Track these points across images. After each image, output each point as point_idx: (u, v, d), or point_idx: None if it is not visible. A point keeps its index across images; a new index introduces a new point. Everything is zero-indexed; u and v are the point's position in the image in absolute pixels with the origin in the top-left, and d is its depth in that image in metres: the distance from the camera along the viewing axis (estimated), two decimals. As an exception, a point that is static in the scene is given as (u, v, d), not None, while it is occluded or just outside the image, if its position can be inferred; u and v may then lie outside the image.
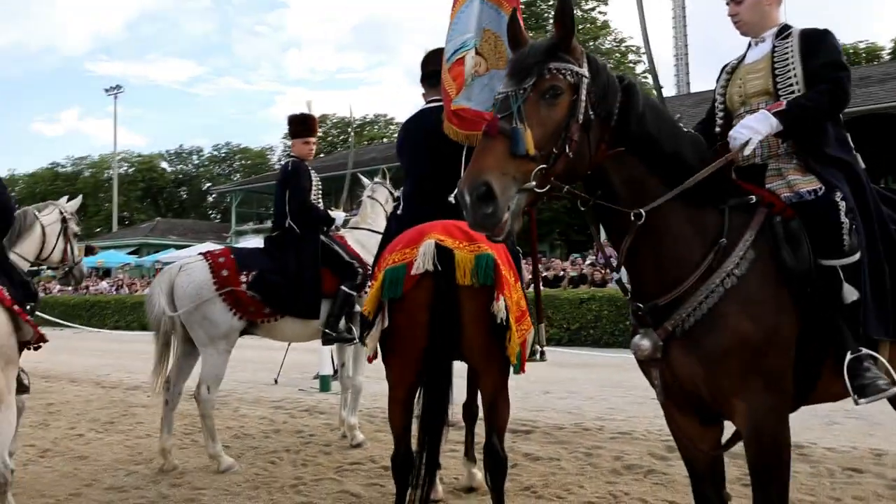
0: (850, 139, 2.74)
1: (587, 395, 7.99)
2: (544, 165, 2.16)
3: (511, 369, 3.28)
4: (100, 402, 8.24)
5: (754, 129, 2.57)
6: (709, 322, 2.38)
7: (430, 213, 3.48)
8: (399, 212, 3.95)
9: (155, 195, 60.88)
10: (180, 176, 64.12)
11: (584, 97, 2.25)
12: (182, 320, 5.05)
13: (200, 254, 5.36)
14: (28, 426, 5.06)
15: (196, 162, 65.05)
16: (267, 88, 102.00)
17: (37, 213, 5.02)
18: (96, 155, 62.71)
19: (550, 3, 32.98)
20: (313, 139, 5.84)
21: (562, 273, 17.27)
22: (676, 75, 38.22)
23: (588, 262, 18.98)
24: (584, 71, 2.29)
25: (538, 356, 3.93)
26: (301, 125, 5.76)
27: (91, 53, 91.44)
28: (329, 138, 55.91)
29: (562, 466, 4.89)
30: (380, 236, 4.47)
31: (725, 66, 3.07)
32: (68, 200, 5.38)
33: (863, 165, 2.72)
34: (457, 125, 3.65)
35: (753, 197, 2.58)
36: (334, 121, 57.65)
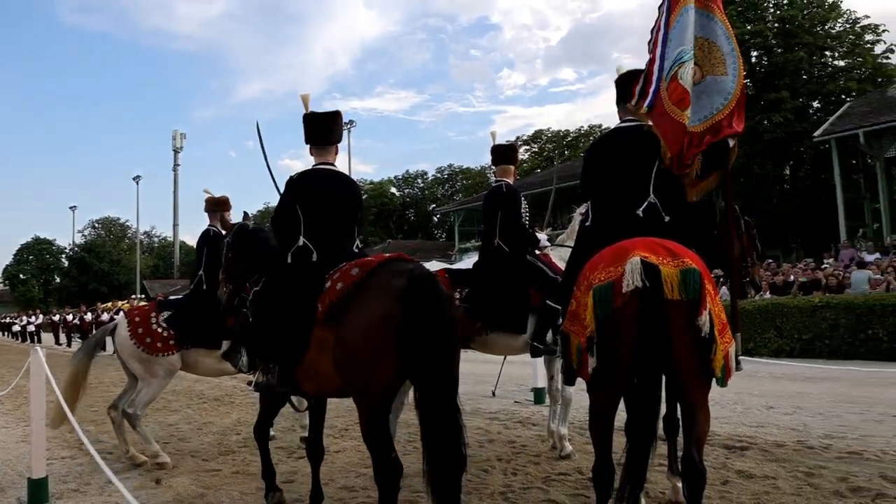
0: None
1: (816, 410, 7.44)
2: None
3: (714, 382, 3.25)
4: (337, 411, 9.14)
5: None
6: None
7: (621, 229, 3.58)
8: (588, 226, 4.05)
9: (386, 218, 65.25)
10: (407, 199, 68.32)
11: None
12: None
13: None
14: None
15: (421, 185, 69.00)
16: (483, 109, 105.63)
17: None
18: (334, 185, 68.93)
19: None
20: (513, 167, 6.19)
21: (791, 279, 15.99)
22: None
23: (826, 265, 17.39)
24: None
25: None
26: (500, 154, 6.13)
27: (328, 92, 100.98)
28: (545, 153, 56.46)
29: (777, 486, 4.68)
30: None
31: None
32: None
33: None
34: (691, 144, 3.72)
35: None
36: (549, 135, 58.05)
